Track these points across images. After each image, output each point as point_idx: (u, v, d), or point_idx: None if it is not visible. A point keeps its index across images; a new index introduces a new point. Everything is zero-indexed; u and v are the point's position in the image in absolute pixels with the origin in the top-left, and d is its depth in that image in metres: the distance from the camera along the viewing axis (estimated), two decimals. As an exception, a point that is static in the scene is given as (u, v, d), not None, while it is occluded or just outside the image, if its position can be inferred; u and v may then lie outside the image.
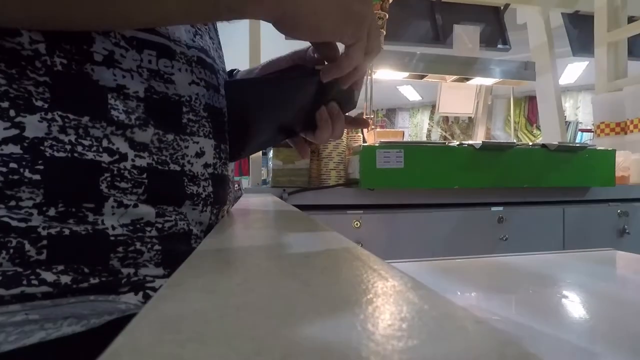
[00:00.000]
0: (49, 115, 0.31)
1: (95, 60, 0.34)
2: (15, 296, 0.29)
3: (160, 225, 0.37)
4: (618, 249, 0.68)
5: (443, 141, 1.51)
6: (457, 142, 1.37)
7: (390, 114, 7.11)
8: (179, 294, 0.16)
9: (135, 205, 0.35)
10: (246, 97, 0.42)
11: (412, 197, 1.34)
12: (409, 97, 6.46)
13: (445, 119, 6.40)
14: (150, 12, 0.30)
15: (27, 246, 0.30)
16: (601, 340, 0.31)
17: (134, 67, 0.36)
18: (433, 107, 6.19)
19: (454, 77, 1.97)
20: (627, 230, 1.49)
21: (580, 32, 2.57)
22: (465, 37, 1.96)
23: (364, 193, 1.30)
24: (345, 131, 1.37)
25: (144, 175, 0.36)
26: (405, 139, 2.13)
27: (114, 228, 0.34)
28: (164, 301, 0.15)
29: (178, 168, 0.39)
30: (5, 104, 0.30)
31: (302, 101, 0.45)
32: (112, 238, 0.33)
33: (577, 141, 4.92)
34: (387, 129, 3.80)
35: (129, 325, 0.12)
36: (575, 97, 6.01)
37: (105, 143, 0.34)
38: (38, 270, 0.30)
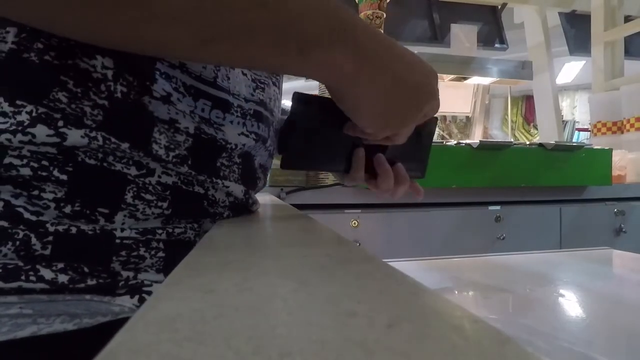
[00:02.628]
0: (93, 134, 0.31)
1: (153, 95, 0.34)
2: (13, 289, 0.29)
3: (170, 230, 0.37)
4: (614, 248, 0.68)
5: (441, 140, 1.51)
6: (455, 142, 1.37)
7: (388, 113, 7.10)
8: (177, 294, 0.16)
9: (146, 219, 0.35)
10: (309, 109, 0.42)
11: (410, 197, 1.34)
12: (406, 97, 6.46)
13: (443, 118, 6.40)
14: (234, 56, 0.29)
15: (34, 240, 0.30)
16: (598, 338, 0.31)
17: (187, 111, 0.37)
18: (431, 107, 6.18)
19: (452, 76, 1.98)
20: (624, 229, 1.50)
21: (577, 31, 2.58)
22: (463, 37, 1.96)
23: (362, 192, 1.30)
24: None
25: (167, 192, 0.36)
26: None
27: (122, 230, 0.34)
28: (161, 300, 0.15)
29: (202, 191, 0.39)
30: (57, 115, 0.30)
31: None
32: (118, 241, 0.33)
33: (574, 140, 4.94)
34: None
35: (127, 325, 0.12)
36: (572, 96, 6.02)
37: (136, 158, 0.34)
38: (38, 267, 0.30)
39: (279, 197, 1.21)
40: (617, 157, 1.59)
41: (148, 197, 0.35)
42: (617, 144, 1.93)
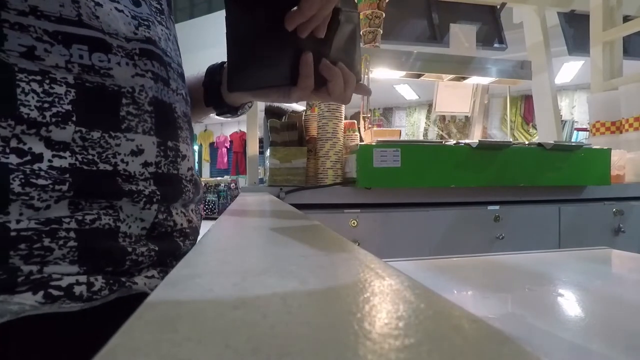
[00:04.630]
0: None
1: (10, 54, 0.31)
2: None
3: (80, 217, 0.34)
4: (613, 248, 0.68)
5: (440, 140, 1.51)
6: (454, 141, 1.37)
7: (387, 113, 7.11)
8: (176, 293, 0.16)
9: (48, 207, 0.32)
10: (247, 11, 0.40)
11: (409, 196, 1.34)
12: (405, 96, 6.47)
13: (442, 117, 6.41)
14: None
15: None
16: (597, 338, 0.31)
17: (62, 63, 0.33)
18: (430, 106, 6.21)
19: (451, 76, 1.98)
20: (622, 229, 1.50)
21: (576, 31, 2.58)
22: (462, 36, 1.96)
23: (361, 192, 1.30)
24: (342, 130, 1.37)
25: (67, 175, 0.33)
26: (402, 138, 2.13)
27: (18, 222, 0.31)
28: (160, 300, 0.15)
29: (110, 167, 0.36)
30: None
31: (300, 41, 0.43)
32: (14, 233, 0.31)
33: (572, 140, 4.95)
34: (384, 128, 3.80)
35: (125, 325, 0.12)
36: (571, 96, 6.03)
37: (13, 143, 0.31)
38: None
39: (278, 196, 1.21)
40: (616, 157, 1.59)
41: (41, 182, 0.32)
42: (615, 144, 1.93)
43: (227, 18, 0.40)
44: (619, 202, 1.53)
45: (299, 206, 0.67)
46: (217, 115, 0.62)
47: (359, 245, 0.26)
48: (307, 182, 1.37)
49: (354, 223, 1.26)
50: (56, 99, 0.33)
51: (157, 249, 0.40)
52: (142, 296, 0.37)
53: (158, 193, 0.40)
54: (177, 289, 0.16)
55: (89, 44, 0.35)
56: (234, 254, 0.24)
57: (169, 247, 0.43)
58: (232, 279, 0.18)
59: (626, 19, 2.21)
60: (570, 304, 0.41)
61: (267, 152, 1.40)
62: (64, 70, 0.34)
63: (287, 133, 1.37)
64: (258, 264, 0.21)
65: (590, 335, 0.32)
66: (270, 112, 1.50)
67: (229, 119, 0.65)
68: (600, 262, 0.60)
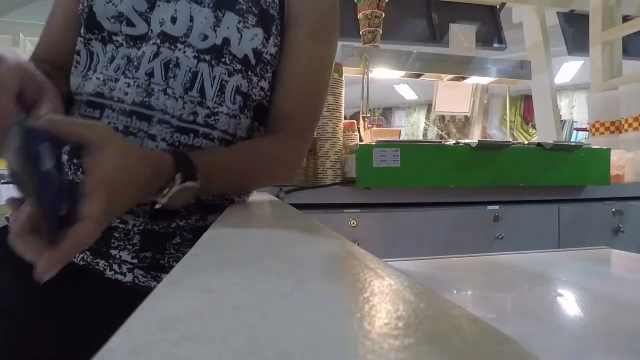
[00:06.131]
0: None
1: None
2: None
3: None
4: (613, 247, 0.68)
5: (439, 140, 1.51)
6: (454, 141, 1.38)
7: (387, 113, 7.11)
8: (175, 293, 0.16)
9: None
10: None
11: (409, 196, 1.34)
12: (405, 96, 6.46)
13: (442, 117, 6.41)
14: None
15: None
16: (596, 337, 0.31)
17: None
18: (429, 106, 6.21)
19: (450, 76, 1.97)
20: (622, 229, 1.50)
21: (575, 31, 2.58)
22: (462, 36, 1.96)
23: (361, 192, 1.30)
24: (341, 130, 1.37)
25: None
26: (401, 138, 2.13)
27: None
28: (160, 300, 0.15)
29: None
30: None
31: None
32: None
33: (572, 140, 4.95)
34: (384, 128, 3.80)
35: (125, 325, 0.12)
36: (570, 96, 6.03)
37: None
38: None
39: (277, 196, 1.21)
40: (615, 157, 1.60)
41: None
42: (615, 144, 1.93)
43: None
44: (619, 202, 1.53)
45: (299, 206, 0.67)
46: None
47: (358, 245, 0.26)
48: (306, 182, 1.37)
49: (353, 223, 1.26)
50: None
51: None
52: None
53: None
54: (176, 289, 0.16)
55: (98, 107, 0.56)
56: (233, 254, 0.24)
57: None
58: (232, 278, 0.18)
59: (626, 18, 2.21)
60: (569, 303, 0.41)
61: (267, 152, 1.39)
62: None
63: (287, 133, 1.37)
64: (257, 263, 0.21)
65: (589, 335, 0.32)
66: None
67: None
68: (599, 262, 0.60)
